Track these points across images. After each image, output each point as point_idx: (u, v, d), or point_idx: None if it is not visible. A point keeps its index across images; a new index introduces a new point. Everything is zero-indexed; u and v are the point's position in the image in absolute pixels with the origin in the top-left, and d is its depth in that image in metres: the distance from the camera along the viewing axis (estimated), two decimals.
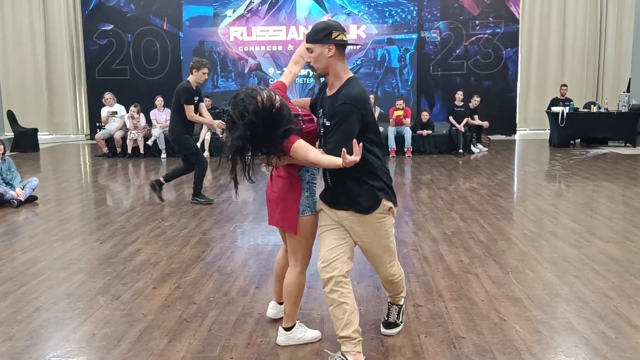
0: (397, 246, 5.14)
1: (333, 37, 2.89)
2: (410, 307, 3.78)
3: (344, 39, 2.93)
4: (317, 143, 3.05)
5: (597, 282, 4.20)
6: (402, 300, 3.43)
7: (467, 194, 7.48)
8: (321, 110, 3.01)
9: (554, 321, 3.52)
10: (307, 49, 2.95)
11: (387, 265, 3.13)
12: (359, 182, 2.93)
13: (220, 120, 7.20)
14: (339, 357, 2.97)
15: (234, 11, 14.02)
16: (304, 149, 2.81)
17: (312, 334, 3.33)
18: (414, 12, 13.94)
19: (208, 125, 7.42)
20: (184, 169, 7.31)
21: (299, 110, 3.06)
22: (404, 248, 5.11)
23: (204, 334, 3.42)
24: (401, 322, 3.45)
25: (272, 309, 3.60)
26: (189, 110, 6.90)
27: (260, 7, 13.98)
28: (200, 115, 7.19)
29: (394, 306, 3.42)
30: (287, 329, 3.27)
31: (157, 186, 7.13)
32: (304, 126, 2.97)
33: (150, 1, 14.22)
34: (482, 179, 8.63)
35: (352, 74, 3.00)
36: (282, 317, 3.41)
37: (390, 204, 3.00)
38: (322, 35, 2.89)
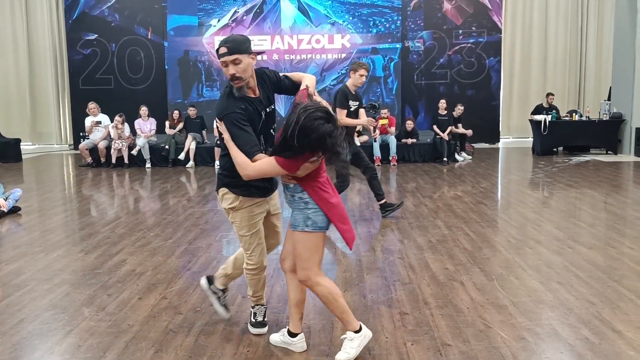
0: (384, 254, 5.18)
1: (252, 46, 3.15)
2: (397, 314, 3.80)
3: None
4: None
5: (580, 288, 4.25)
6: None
7: (452, 202, 7.53)
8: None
9: (539, 328, 3.56)
10: (233, 60, 3.04)
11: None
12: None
13: (370, 118, 6.76)
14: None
15: (218, 21, 14.05)
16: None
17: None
18: (398, 22, 14.06)
19: (360, 125, 6.94)
20: (340, 183, 6.57)
21: None
22: (389, 256, 5.14)
23: (191, 345, 3.41)
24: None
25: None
26: (340, 114, 6.42)
27: (245, 17, 14.01)
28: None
29: (257, 306, 3.57)
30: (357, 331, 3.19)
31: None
32: None
33: (135, 11, 14.20)
34: (467, 187, 8.69)
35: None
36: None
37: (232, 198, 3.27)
38: (246, 46, 3.09)
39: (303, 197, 3.06)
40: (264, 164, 2.97)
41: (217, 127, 3.15)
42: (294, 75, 3.43)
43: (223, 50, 3.04)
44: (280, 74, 3.40)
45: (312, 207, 3.06)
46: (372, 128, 6.88)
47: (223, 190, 3.29)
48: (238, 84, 3.08)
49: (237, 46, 3.04)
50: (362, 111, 6.75)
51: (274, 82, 3.33)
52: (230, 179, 3.21)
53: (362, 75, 6.45)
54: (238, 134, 3.04)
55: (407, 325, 3.63)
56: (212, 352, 3.30)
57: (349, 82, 6.55)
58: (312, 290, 3.14)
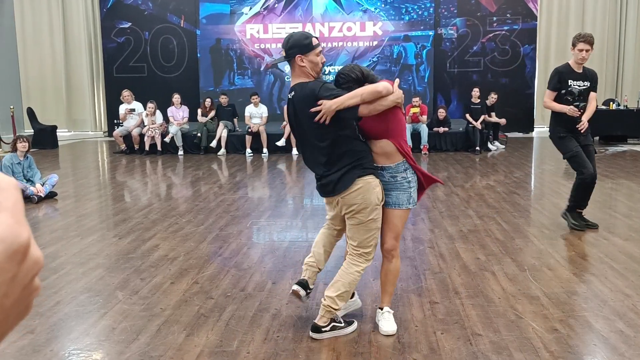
0: (414, 243, 5.16)
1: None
2: (427, 303, 3.78)
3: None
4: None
5: (615, 280, 4.16)
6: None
7: (484, 192, 7.45)
8: None
9: (572, 319, 3.50)
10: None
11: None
12: None
13: (571, 107, 5.28)
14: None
15: (250, 9, 14.07)
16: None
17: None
18: (431, 9, 13.88)
19: (563, 112, 5.32)
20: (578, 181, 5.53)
21: None
22: (420, 245, 5.11)
23: (222, 329, 3.45)
24: (326, 330, 3.31)
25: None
26: (546, 96, 5.49)
27: (276, 5, 14.00)
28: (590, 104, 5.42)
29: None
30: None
31: (570, 215, 5.65)
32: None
33: None
34: (499, 177, 8.58)
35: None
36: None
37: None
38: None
39: (406, 176, 3.28)
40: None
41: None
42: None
43: (315, 41, 3.29)
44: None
45: (413, 185, 3.30)
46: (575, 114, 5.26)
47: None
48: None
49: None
50: (592, 95, 5.46)
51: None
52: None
53: (581, 50, 5.26)
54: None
55: (437, 314, 3.62)
56: (243, 337, 3.33)
57: (571, 60, 5.43)
58: (393, 259, 3.40)
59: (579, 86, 5.38)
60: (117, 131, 12.18)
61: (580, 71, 5.40)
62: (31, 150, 7.70)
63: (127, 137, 12.04)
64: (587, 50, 5.25)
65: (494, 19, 14.04)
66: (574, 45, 5.33)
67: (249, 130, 11.66)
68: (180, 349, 3.21)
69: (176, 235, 5.58)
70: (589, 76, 5.43)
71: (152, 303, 3.87)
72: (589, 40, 5.26)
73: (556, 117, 5.50)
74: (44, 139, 12.99)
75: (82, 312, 3.73)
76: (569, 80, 5.36)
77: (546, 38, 14.76)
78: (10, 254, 0.51)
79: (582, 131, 5.35)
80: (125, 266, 4.66)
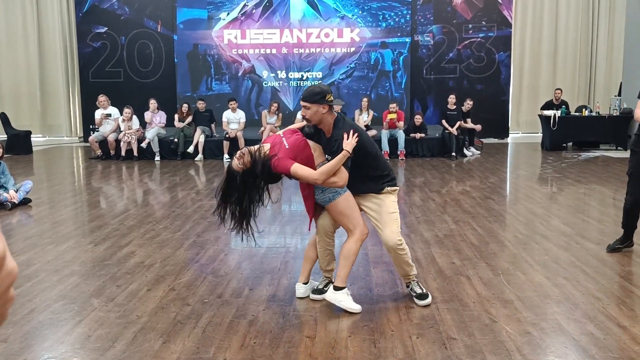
0: None
1: (327, 99, 3.64)
2: (403, 308, 3.82)
3: (332, 99, 3.70)
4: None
5: (587, 284, 4.25)
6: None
7: (460, 197, 7.53)
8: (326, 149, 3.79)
9: (544, 322, 3.57)
10: (304, 106, 3.65)
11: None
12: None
13: None
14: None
15: (228, 14, 14.05)
16: (302, 170, 3.56)
17: (353, 305, 3.74)
18: (408, 16, 14.01)
19: None
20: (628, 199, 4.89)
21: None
22: None
23: (198, 336, 3.45)
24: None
25: (300, 289, 4.05)
26: (638, 106, 4.76)
27: (254, 10, 14.01)
28: None
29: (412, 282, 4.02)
30: (337, 288, 3.73)
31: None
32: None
33: (145, 4, 14.23)
34: (475, 182, 8.68)
35: (336, 115, 3.75)
36: (305, 297, 4.01)
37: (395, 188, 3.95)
38: (318, 97, 3.63)
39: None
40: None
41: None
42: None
43: (302, 95, 3.73)
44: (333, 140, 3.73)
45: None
46: None
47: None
48: (308, 123, 3.78)
49: (310, 96, 3.64)
50: None
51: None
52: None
53: None
54: None
55: (413, 318, 3.66)
56: (220, 344, 3.34)
57: None
58: None
59: None
60: (93, 137, 12.06)
61: None
62: (4, 156, 7.60)
63: (103, 143, 11.91)
64: None
65: (470, 26, 14.23)
66: None
67: (227, 135, 11.64)
68: (156, 356, 3.20)
69: (153, 242, 5.55)
70: None
71: (128, 310, 3.85)
72: None
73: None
74: (18, 144, 12.79)
75: (57, 320, 3.70)
76: None
77: (521, 45, 14.99)
78: None
79: None
80: (100, 273, 4.63)
